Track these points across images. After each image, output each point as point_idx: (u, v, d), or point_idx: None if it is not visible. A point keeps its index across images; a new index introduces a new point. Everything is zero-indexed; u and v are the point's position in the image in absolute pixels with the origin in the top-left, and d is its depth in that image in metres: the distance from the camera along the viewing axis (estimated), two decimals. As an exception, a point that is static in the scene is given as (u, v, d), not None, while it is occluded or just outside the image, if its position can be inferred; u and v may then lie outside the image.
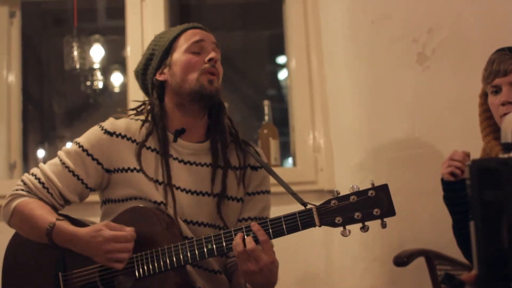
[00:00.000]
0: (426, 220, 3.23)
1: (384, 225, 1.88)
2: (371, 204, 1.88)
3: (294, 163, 3.72)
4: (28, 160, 5.11)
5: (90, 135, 2.25)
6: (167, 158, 2.22)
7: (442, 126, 3.21)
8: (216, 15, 5.03)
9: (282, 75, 5.46)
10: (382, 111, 3.33)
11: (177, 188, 2.20)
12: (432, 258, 2.88)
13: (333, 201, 1.91)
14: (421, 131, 3.24)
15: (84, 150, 2.21)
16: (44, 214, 2.11)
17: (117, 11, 3.94)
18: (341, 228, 1.90)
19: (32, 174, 2.22)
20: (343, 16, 3.48)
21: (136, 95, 3.64)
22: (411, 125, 3.25)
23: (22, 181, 2.23)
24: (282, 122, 4.15)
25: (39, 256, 2.17)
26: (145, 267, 2.03)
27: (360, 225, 1.89)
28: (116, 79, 5.53)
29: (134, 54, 3.71)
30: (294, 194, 2.09)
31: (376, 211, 1.87)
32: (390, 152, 3.26)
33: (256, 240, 1.92)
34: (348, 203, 1.90)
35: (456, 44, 3.27)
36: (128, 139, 2.23)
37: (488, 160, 1.23)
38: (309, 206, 1.96)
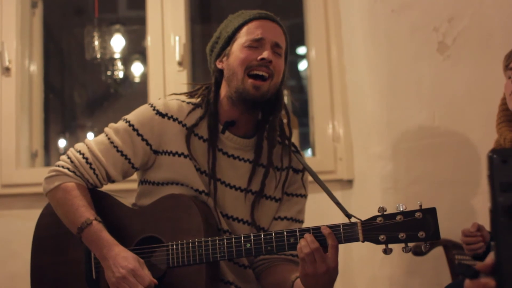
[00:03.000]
0: (444, 209, 3.21)
1: (426, 248, 1.83)
2: (417, 226, 1.83)
3: (313, 153, 3.72)
4: (49, 150, 5.16)
5: (141, 114, 2.21)
6: (215, 149, 2.19)
7: (462, 115, 3.17)
8: (236, 5, 5.02)
9: (302, 65, 5.45)
10: (402, 100, 3.31)
11: (217, 180, 2.19)
12: (450, 247, 2.87)
13: (379, 218, 1.87)
14: (441, 120, 3.20)
15: (134, 129, 2.18)
16: (84, 207, 2.07)
17: (138, 1, 3.96)
18: (383, 246, 1.87)
19: (79, 152, 2.16)
20: (363, 6, 3.47)
21: (156, 85, 3.68)
22: (431, 114, 3.21)
23: (69, 157, 2.16)
24: (302, 112, 4.16)
25: None
26: (180, 257, 2.02)
27: (402, 244, 1.86)
28: (137, 69, 5.55)
29: (154, 44, 3.74)
30: (339, 204, 2.06)
31: (421, 234, 1.82)
32: (410, 141, 3.24)
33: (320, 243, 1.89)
34: (393, 222, 1.85)
35: (477, 33, 3.23)
36: (179, 122, 2.20)
37: (507, 150, 1.21)
38: (353, 220, 1.92)
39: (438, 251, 2.89)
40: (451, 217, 3.17)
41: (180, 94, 2.35)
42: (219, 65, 2.24)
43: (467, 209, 3.05)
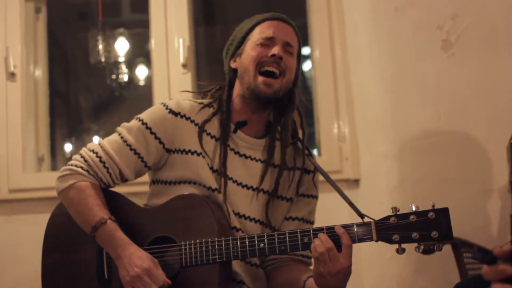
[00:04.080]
0: (451, 207, 3.18)
1: (440, 248, 1.84)
2: (430, 226, 1.85)
3: (319, 153, 3.72)
4: (55, 154, 5.17)
5: (154, 113, 2.23)
6: (226, 147, 2.21)
7: (467, 113, 3.16)
8: (239, 6, 5.03)
9: (306, 66, 5.45)
10: (407, 99, 3.30)
11: (229, 179, 2.20)
12: (458, 245, 2.86)
13: (392, 218, 1.88)
14: (446, 118, 3.19)
15: (147, 127, 2.19)
16: (98, 206, 2.08)
17: (141, 5, 3.96)
18: (396, 245, 1.88)
19: (93, 151, 2.17)
20: (366, 4, 3.46)
21: (161, 88, 3.68)
22: (435, 112, 3.21)
23: (82, 157, 2.17)
24: (306, 113, 4.15)
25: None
26: (193, 256, 2.03)
27: (415, 244, 1.87)
28: (141, 72, 5.56)
29: (158, 47, 3.74)
30: (352, 205, 2.07)
31: (434, 234, 1.84)
32: (415, 140, 3.23)
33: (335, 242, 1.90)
34: (407, 222, 1.87)
35: (481, 30, 3.21)
36: (192, 121, 2.22)
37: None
38: (367, 219, 1.94)
39: (446, 249, 2.88)
40: (458, 215, 3.15)
41: (193, 92, 2.39)
42: (233, 65, 2.27)
43: (473, 206, 3.04)
